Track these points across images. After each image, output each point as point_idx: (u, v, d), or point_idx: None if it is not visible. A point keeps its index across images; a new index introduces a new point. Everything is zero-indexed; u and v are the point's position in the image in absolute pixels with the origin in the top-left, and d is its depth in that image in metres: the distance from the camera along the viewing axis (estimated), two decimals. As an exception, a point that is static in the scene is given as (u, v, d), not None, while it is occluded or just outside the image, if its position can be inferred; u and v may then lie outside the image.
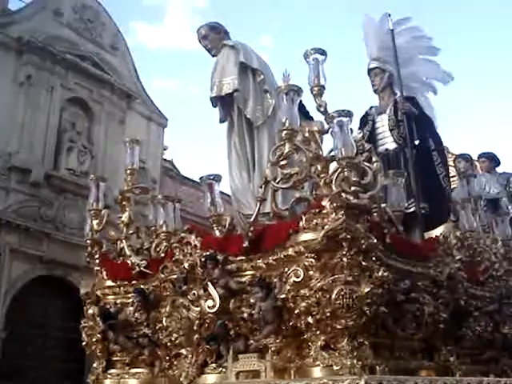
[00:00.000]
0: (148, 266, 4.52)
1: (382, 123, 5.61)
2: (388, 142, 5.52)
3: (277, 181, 3.83)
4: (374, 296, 3.37)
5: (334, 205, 3.50)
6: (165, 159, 19.86)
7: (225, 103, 5.08)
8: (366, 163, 3.60)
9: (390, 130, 5.50)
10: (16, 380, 12.96)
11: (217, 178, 4.25)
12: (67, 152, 16.25)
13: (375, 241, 3.54)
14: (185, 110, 43.87)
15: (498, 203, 7.29)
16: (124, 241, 4.77)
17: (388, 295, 3.52)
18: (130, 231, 4.91)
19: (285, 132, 3.67)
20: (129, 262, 4.62)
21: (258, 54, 5.14)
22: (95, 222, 4.92)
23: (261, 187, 3.87)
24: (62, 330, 14.32)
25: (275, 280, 3.63)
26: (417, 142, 5.43)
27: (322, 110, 3.94)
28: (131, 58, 19.38)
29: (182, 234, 4.23)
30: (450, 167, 8.30)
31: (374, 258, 3.53)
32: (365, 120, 5.74)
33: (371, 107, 5.82)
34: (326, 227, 3.41)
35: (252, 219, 3.87)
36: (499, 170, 8.10)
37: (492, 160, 8.00)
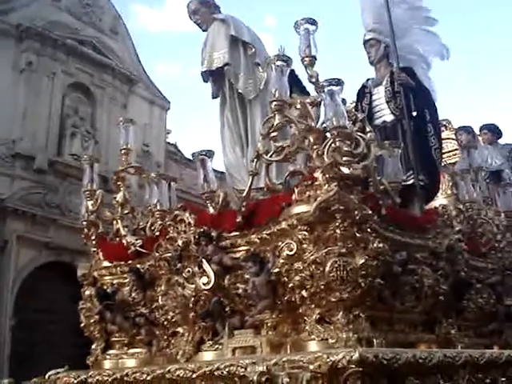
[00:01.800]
0: (143, 246, 4.47)
1: (379, 95, 5.49)
2: (386, 114, 5.41)
3: (269, 154, 3.75)
4: (369, 268, 3.29)
5: (327, 176, 3.43)
6: (168, 142, 19.80)
7: (216, 78, 4.99)
8: (358, 133, 3.51)
9: (387, 102, 5.38)
10: (26, 366, 13.04)
11: (209, 154, 4.17)
12: (71, 138, 16.25)
13: (370, 212, 3.46)
14: (188, 92, 43.73)
15: (500, 175, 7.18)
16: (119, 221, 4.72)
17: (384, 267, 3.44)
18: (126, 211, 4.86)
19: (274, 103, 3.59)
20: (124, 241, 4.57)
21: (249, 27, 5.04)
22: (90, 202, 4.87)
23: (253, 161, 3.80)
24: (70, 316, 14.32)
25: (269, 255, 3.56)
26: (414, 114, 5.31)
27: (314, 80, 3.86)
28: (132, 42, 19.28)
29: (176, 212, 4.17)
30: (453, 140, 8.22)
31: (368, 230, 3.44)
32: (362, 93, 5.63)
33: (368, 79, 5.70)
34: (319, 199, 3.33)
35: (244, 194, 3.80)
36: (502, 141, 7.97)
37: (494, 132, 7.86)
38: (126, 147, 5.10)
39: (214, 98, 5.12)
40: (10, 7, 16.04)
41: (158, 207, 4.46)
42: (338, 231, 3.32)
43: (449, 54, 5.90)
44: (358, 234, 3.37)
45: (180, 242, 3.97)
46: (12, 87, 15.31)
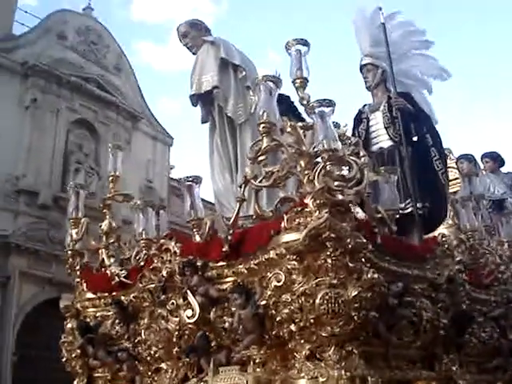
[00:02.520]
0: (128, 276, 4.26)
1: (376, 121, 5.33)
2: (383, 140, 5.24)
3: (258, 180, 3.56)
4: (362, 300, 3.08)
5: (318, 202, 3.23)
6: (172, 178, 19.69)
7: (205, 102, 4.83)
8: (350, 156, 3.33)
9: (385, 128, 5.22)
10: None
11: (196, 180, 3.99)
12: (74, 173, 16.18)
13: (363, 240, 3.25)
14: (191, 128, 43.88)
15: (503, 204, 6.96)
16: (103, 250, 4.52)
17: (379, 299, 3.22)
18: (112, 240, 4.66)
19: (262, 125, 3.41)
20: (108, 272, 4.36)
21: (240, 51, 4.89)
22: (74, 231, 4.67)
23: (240, 187, 3.61)
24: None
25: (256, 286, 3.35)
26: (415, 139, 5.14)
27: (305, 103, 3.68)
28: (135, 79, 19.47)
29: (162, 241, 3.98)
30: (453, 169, 8.02)
31: (362, 259, 3.25)
32: (358, 118, 5.47)
33: (364, 105, 5.55)
34: (309, 226, 3.13)
35: (231, 221, 3.60)
36: (504, 169, 7.77)
37: (496, 160, 7.66)
38: (114, 174, 4.93)
39: (203, 122, 4.95)
40: (16, 45, 16.24)
41: (144, 236, 4.26)
42: (329, 261, 3.11)
43: (449, 74, 5.75)
44: (350, 264, 3.16)
45: (164, 272, 3.76)
46: (17, 123, 15.33)
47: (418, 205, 4.77)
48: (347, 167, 3.44)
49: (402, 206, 4.85)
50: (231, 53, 4.77)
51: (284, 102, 5.83)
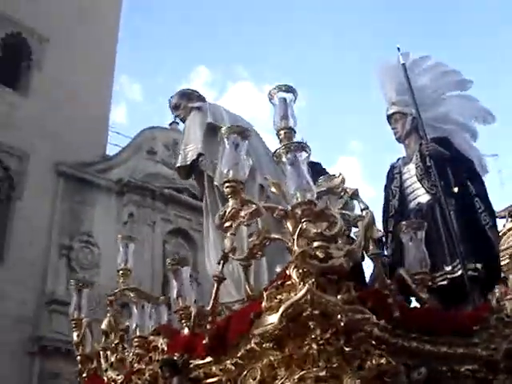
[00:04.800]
0: (125, 381, 3.66)
1: (410, 174, 4.57)
2: (420, 195, 4.45)
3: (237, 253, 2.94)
4: (364, 397, 2.33)
5: (300, 271, 2.57)
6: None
7: (196, 174, 4.31)
8: (332, 209, 2.65)
9: (419, 181, 4.46)
10: None
11: (183, 263, 3.41)
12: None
13: (365, 315, 2.52)
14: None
15: None
16: (101, 352, 3.97)
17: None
18: (116, 341, 4.10)
19: (226, 185, 2.83)
20: (105, 378, 3.79)
21: (234, 113, 4.40)
22: (75, 333, 4.18)
23: (218, 263, 2.99)
24: None
25: (237, 385, 2.67)
26: (456, 190, 4.33)
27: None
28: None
29: (150, 337, 3.39)
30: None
31: (368, 340, 2.51)
32: (391, 175, 4.73)
33: (398, 159, 4.82)
34: (285, 304, 2.46)
35: (210, 307, 2.96)
36: None
37: None
38: (125, 267, 4.47)
39: (200, 199, 4.43)
40: (111, 165, 17.26)
41: (138, 333, 3.68)
42: (314, 346, 2.40)
43: (493, 117, 4.95)
44: (346, 349, 2.43)
45: (147, 375, 3.15)
46: (116, 240, 15.60)
47: (467, 266, 3.91)
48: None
49: (449, 269, 4.03)
50: (219, 116, 4.27)
51: (315, 169, 5.26)
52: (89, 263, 15.47)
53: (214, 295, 2.94)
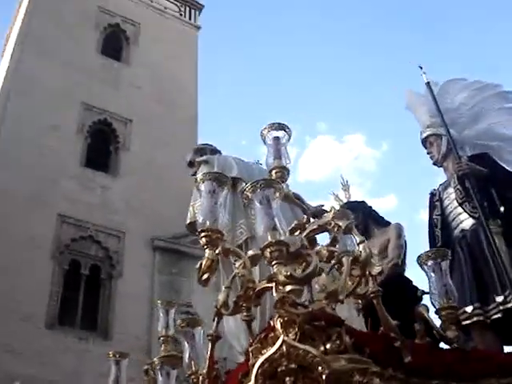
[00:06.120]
0: None
1: (450, 199, 4.15)
2: (463, 220, 4.01)
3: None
4: None
5: (281, 321, 2.30)
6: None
7: None
8: (308, 248, 2.38)
9: (460, 205, 4.03)
10: None
11: (195, 323, 3.21)
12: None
13: (356, 366, 2.20)
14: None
15: None
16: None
17: None
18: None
19: (202, 235, 2.64)
20: None
21: (248, 162, 4.23)
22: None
23: (213, 320, 2.77)
24: None
25: None
26: (502, 209, 3.85)
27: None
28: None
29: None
30: None
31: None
32: (432, 204, 4.32)
33: (440, 185, 4.41)
34: (259, 360, 2.19)
35: (206, 369, 2.72)
36: None
37: None
38: (166, 334, 4.32)
39: None
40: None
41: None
42: (293, 406, 2.10)
43: None
44: (333, 406, 2.11)
45: None
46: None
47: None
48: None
49: (501, 299, 3.55)
50: (227, 166, 4.12)
51: (360, 209, 4.97)
52: (190, 333, 15.52)
53: (209, 355, 2.71)
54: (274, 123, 3.17)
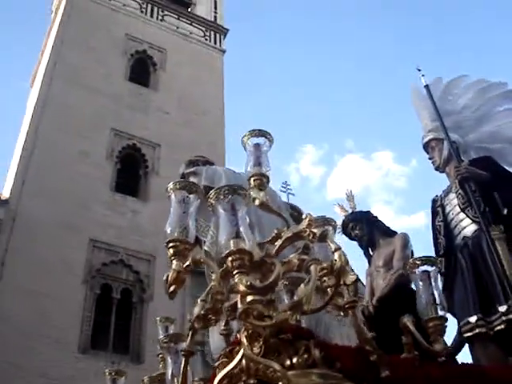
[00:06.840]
0: None
1: (451, 205, 3.99)
2: (465, 227, 3.84)
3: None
4: None
5: (246, 334, 2.21)
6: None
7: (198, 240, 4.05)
8: (273, 257, 2.28)
9: (462, 210, 3.86)
10: None
11: (178, 339, 3.12)
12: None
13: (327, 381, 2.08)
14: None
15: None
16: None
17: None
18: None
19: (170, 245, 2.56)
20: None
21: (240, 173, 4.14)
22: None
23: (187, 334, 2.68)
24: None
25: None
26: (505, 212, 3.67)
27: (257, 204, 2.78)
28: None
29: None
30: None
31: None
32: (434, 211, 4.16)
33: (442, 191, 4.25)
34: (219, 375, 2.10)
35: (180, 386, 2.63)
36: None
37: None
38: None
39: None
40: None
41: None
42: (250, 424, 2.00)
43: None
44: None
45: None
46: None
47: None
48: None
49: (504, 309, 3.37)
50: (216, 177, 4.05)
51: (365, 219, 4.86)
52: (225, 356, 15.39)
53: (182, 371, 2.62)
54: (254, 130, 3.09)
